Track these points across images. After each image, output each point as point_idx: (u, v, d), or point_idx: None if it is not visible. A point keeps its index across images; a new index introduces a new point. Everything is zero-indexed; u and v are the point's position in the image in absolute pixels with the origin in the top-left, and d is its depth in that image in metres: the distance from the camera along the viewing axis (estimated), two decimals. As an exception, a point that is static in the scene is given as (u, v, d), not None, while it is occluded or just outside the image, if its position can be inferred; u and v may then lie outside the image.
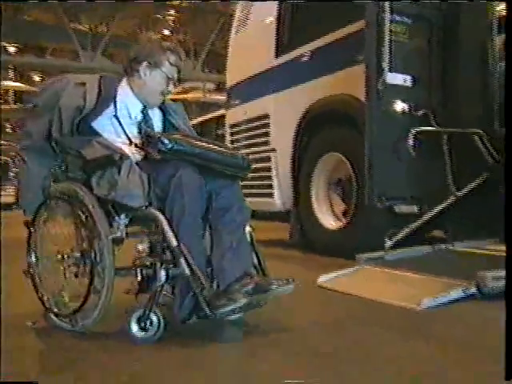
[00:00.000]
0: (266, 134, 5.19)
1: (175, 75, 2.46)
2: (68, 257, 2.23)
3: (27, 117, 2.52)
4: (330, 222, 4.54)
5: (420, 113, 3.57)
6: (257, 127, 5.34)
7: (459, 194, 3.58)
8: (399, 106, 3.51)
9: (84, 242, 2.18)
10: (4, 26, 15.99)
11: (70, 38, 19.56)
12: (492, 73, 3.90)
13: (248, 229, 2.33)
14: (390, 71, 3.45)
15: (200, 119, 10.50)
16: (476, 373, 1.70)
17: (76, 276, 2.20)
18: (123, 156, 2.19)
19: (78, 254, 2.20)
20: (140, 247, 2.18)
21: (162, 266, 2.06)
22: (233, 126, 5.91)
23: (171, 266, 2.06)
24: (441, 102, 3.73)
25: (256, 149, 5.18)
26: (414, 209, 3.65)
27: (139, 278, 2.13)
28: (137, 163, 2.24)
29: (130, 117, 2.41)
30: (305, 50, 4.72)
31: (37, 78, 26.50)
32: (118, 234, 2.19)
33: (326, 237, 4.47)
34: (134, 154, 2.32)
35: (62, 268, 2.25)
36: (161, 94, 2.47)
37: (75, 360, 1.92)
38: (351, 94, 4.02)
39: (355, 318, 2.43)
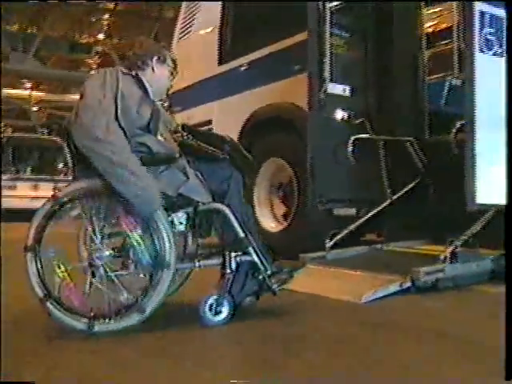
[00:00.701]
0: (209, 140, 5.26)
1: (176, 69, 2.57)
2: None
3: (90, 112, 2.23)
4: (270, 224, 4.69)
5: (358, 121, 3.80)
6: (200, 133, 5.41)
7: (394, 197, 3.83)
8: (339, 114, 3.73)
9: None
10: None
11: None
12: (422, 85, 4.22)
13: None
14: (331, 81, 3.66)
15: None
16: (397, 349, 1.91)
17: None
18: (181, 154, 2.34)
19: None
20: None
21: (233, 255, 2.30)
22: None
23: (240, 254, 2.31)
24: (377, 111, 3.98)
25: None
26: (353, 211, 3.87)
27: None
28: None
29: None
30: (247, 59, 4.86)
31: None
32: (180, 229, 2.32)
33: (268, 239, 4.60)
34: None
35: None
36: (166, 87, 2.57)
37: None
38: (293, 102, 4.19)
39: (303, 311, 2.58)
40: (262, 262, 2.33)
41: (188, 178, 2.30)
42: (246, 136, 4.77)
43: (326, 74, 3.61)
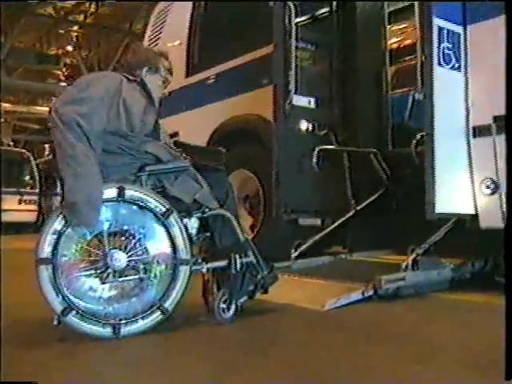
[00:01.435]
0: (176, 152, 5.28)
1: (169, 78, 2.61)
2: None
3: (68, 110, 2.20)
4: (237, 236, 4.70)
5: (323, 132, 3.86)
6: (166, 145, 5.42)
7: (358, 208, 3.90)
8: (304, 125, 3.79)
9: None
10: None
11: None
12: (386, 98, 4.32)
13: None
14: (296, 93, 3.72)
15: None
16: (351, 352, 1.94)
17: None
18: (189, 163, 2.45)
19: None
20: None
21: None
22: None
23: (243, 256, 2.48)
24: (341, 123, 4.06)
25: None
26: (318, 222, 3.91)
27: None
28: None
29: None
30: (214, 71, 4.90)
31: None
32: (192, 233, 2.43)
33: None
34: None
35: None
36: (157, 97, 2.56)
37: None
38: (258, 114, 4.24)
39: (267, 319, 2.59)
40: (259, 263, 2.53)
41: (202, 185, 2.44)
42: (212, 148, 4.80)
43: (291, 86, 3.67)
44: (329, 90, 4.11)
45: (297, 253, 3.63)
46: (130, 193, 2.26)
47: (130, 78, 2.44)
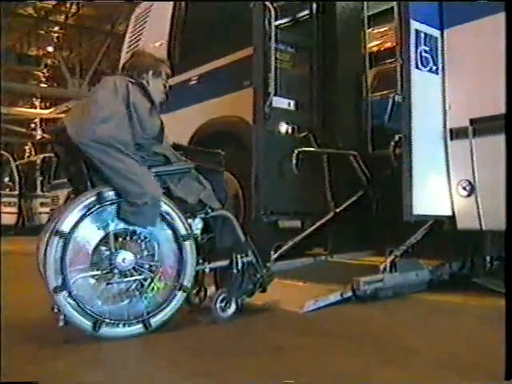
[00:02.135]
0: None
1: (168, 84, 2.66)
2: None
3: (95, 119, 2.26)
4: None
5: (302, 134, 3.87)
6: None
7: (337, 210, 3.91)
8: (284, 127, 3.79)
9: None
10: None
11: None
12: (366, 101, 4.35)
13: None
14: (276, 95, 3.72)
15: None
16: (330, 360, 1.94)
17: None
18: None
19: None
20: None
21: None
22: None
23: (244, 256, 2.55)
24: (321, 126, 4.07)
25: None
26: (297, 223, 3.92)
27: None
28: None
29: None
30: (195, 73, 4.89)
31: None
32: (197, 233, 2.48)
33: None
34: None
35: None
36: (159, 101, 2.61)
37: None
38: (238, 116, 4.23)
39: (245, 321, 2.57)
40: (258, 262, 2.61)
41: (205, 186, 2.51)
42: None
43: (271, 88, 3.67)
44: (309, 93, 4.12)
45: (276, 254, 3.63)
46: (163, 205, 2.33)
47: (133, 80, 2.47)
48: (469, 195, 2.98)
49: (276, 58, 3.75)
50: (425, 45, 3.01)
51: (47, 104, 22.47)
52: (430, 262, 3.23)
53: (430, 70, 3.04)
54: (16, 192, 13.32)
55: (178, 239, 2.36)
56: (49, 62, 20.33)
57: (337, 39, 4.28)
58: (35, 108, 22.54)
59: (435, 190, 3.07)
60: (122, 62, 6.16)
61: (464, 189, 2.99)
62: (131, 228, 2.29)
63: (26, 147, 23.27)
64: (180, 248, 2.36)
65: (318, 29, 4.24)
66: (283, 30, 3.96)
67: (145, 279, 2.31)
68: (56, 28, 18.68)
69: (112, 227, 2.26)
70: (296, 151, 3.69)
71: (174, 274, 2.36)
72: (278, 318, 2.62)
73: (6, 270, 2.27)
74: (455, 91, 3.04)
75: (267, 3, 3.65)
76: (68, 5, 17.06)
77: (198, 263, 2.44)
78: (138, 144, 2.35)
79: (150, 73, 2.56)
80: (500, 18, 2.79)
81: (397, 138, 3.41)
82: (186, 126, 4.84)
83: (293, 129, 3.83)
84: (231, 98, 4.41)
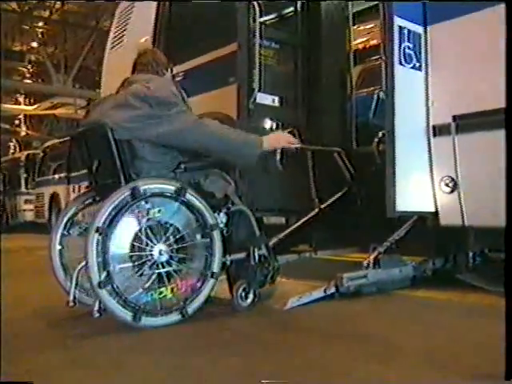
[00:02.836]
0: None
1: None
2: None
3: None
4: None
5: (287, 131, 3.85)
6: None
7: (322, 206, 3.91)
8: (268, 123, 3.78)
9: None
10: None
11: None
12: (350, 97, 4.35)
13: None
14: (260, 91, 3.71)
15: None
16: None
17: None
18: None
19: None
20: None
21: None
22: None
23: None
24: (305, 122, 4.06)
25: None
26: (282, 220, 3.91)
27: None
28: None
29: None
30: (179, 69, 4.85)
31: None
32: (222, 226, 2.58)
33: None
34: None
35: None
36: None
37: None
38: (222, 112, 4.20)
39: (227, 317, 2.56)
40: (270, 256, 2.74)
41: (230, 182, 2.65)
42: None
43: (256, 85, 3.66)
44: (293, 89, 4.11)
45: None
46: (188, 196, 2.46)
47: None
48: (452, 191, 2.99)
49: (260, 54, 3.74)
50: (408, 41, 3.01)
51: (32, 100, 22.27)
52: (413, 258, 3.25)
53: (414, 67, 3.05)
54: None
55: (207, 228, 2.47)
56: (33, 57, 20.15)
57: (321, 36, 4.28)
58: (19, 104, 22.32)
59: (418, 187, 3.08)
60: (105, 57, 6.17)
61: (447, 185, 3.01)
62: (164, 220, 2.41)
63: (11, 144, 23.06)
64: (209, 237, 2.48)
65: (302, 25, 4.23)
66: (268, 27, 3.95)
67: (179, 269, 2.42)
68: (40, 23, 18.51)
69: (146, 221, 2.37)
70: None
71: (205, 262, 2.49)
72: (261, 315, 2.61)
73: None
74: (438, 88, 3.05)
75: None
76: (52, 0, 16.89)
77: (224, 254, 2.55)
78: None
79: (169, 70, 2.78)
80: (483, 14, 2.83)
81: (380, 134, 3.41)
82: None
83: (277, 125, 3.83)
84: (216, 94, 4.38)
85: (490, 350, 1.86)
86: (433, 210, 3.08)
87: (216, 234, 2.50)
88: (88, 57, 17.63)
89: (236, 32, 3.72)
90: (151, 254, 2.35)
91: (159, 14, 5.24)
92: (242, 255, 2.68)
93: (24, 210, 13.24)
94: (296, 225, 3.84)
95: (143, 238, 2.35)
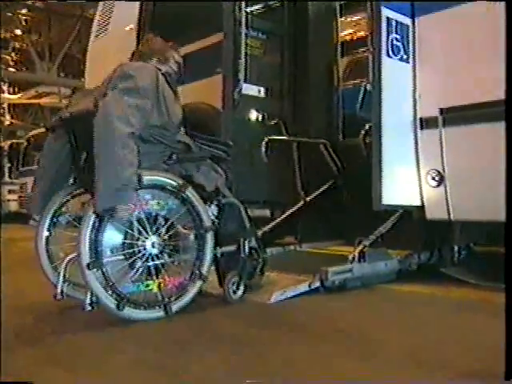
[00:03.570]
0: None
1: (178, 71, 2.70)
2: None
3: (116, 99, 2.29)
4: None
5: (273, 122, 3.81)
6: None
7: (308, 199, 3.87)
8: (253, 114, 3.74)
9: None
10: None
11: None
12: (337, 89, 4.31)
13: None
14: (246, 82, 3.65)
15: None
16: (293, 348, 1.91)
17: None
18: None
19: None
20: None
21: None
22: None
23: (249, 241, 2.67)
24: (292, 113, 4.02)
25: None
26: (267, 213, 3.87)
27: None
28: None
29: None
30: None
31: None
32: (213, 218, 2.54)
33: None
34: None
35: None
36: None
37: None
38: (207, 103, 4.13)
39: (210, 312, 2.52)
40: (260, 248, 2.75)
41: (221, 174, 2.60)
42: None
43: (241, 75, 3.61)
44: (279, 80, 4.07)
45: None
46: (189, 194, 2.42)
47: (161, 69, 2.52)
48: (438, 185, 2.97)
49: (246, 44, 3.70)
50: (396, 33, 2.97)
51: (16, 89, 21.97)
52: (398, 252, 3.22)
53: (401, 59, 3.01)
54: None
55: (202, 229, 2.44)
56: (17, 45, 19.85)
57: (308, 27, 4.22)
58: (3, 92, 22.02)
59: (405, 180, 3.06)
60: (90, 46, 6.07)
61: (433, 179, 2.98)
62: (161, 213, 2.38)
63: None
64: (203, 238, 2.45)
65: (289, 16, 4.18)
66: (254, 16, 3.89)
67: (171, 262, 2.41)
68: (24, 11, 18.22)
69: (144, 211, 2.33)
70: (266, 139, 3.63)
71: (195, 262, 2.45)
72: (245, 310, 2.57)
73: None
74: (425, 80, 3.02)
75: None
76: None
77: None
78: (165, 128, 2.42)
79: (155, 59, 2.60)
80: (472, 6, 2.79)
81: (367, 126, 3.38)
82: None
83: (263, 116, 3.79)
84: (202, 84, 4.32)
85: (475, 347, 1.85)
86: (419, 203, 3.06)
87: (209, 236, 2.47)
88: (73, 45, 17.40)
89: (222, 21, 3.66)
90: (144, 245, 2.32)
91: (144, 2, 5.15)
92: (232, 248, 2.66)
93: (8, 200, 13.07)
94: (280, 218, 3.80)
95: (138, 227, 2.31)
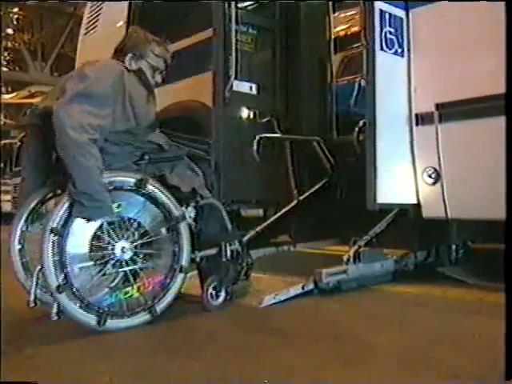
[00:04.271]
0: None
1: (161, 66, 2.50)
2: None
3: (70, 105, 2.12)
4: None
5: (265, 119, 3.73)
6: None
7: (301, 198, 3.79)
8: (245, 112, 3.65)
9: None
10: None
11: None
12: (330, 86, 4.22)
13: None
14: (237, 79, 3.56)
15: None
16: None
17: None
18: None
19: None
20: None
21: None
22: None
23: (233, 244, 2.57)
24: (284, 111, 3.93)
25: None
26: (260, 212, 3.79)
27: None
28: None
29: None
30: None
31: None
32: (190, 221, 2.43)
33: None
34: None
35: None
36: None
37: None
38: (198, 100, 4.05)
39: (198, 315, 2.44)
40: (243, 251, 2.64)
41: (198, 174, 2.47)
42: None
43: (232, 71, 3.51)
44: (272, 76, 3.97)
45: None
46: (150, 188, 2.30)
47: (129, 67, 2.38)
48: (435, 183, 2.90)
49: (237, 40, 3.60)
50: (390, 26, 2.89)
51: (8, 89, 21.82)
52: (394, 252, 3.13)
53: (396, 53, 2.93)
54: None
55: (172, 221, 2.33)
56: (9, 44, 19.70)
57: (301, 22, 4.13)
58: (-4, 93, 21.87)
59: (400, 178, 2.98)
60: (79, 45, 5.98)
61: (430, 176, 2.91)
62: (125, 216, 2.25)
63: (-13, 133, 22.60)
64: (175, 230, 2.34)
65: (281, 10, 4.08)
66: (245, 11, 3.80)
67: (145, 267, 2.29)
68: (15, 9, 18.08)
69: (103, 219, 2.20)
70: (257, 137, 3.55)
71: (172, 256, 2.35)
72: (234, 314, 2.48)
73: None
74: (421, 75, 2.94)
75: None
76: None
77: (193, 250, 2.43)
78: (132, 133, 2.29)
79: (129, 56, 2.41)
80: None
81: (361, 123, 3.29)
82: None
83: (254, 114, 3.70)
84: (193, 81, 4.23)
85: (471, 350, 1.78)
86: (415, 202, 2.98)
87: (183, 226, 2.36)
88: (66, 44, 17.28)
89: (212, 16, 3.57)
90: (113, 253, 2.21)
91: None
92: (212, 251, 2.55)
93: (1, 201, 12.95)
94: (273, 217, 3.71)
95: (103, 235, 2.20)
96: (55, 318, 2.10)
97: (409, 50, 2.96)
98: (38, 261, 2.23)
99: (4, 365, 1.70)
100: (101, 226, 2.20)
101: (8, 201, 12.68)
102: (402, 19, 2.94)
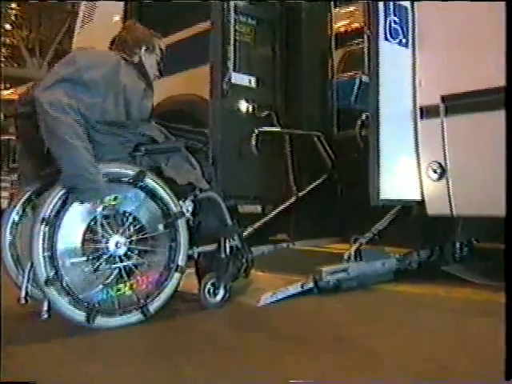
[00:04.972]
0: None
1: (163, 59, 2.52)
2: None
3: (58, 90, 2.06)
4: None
5: (264, 113, 3.63)
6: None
7: (300, 194, 3.69)
8: (243, 105, 3.55)
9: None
10: None
11: None
12: (331, 81, 4.13)
13: None
14: (235, 71, 3.46)
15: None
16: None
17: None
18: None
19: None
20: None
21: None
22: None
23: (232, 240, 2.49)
24: (284, 104, 3.83)
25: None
26: (258, 208, 3.69)
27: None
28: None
29: None
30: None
31: None
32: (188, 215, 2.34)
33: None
34: None
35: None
36: (152, 78, 2.47)
37: None
38: (197, 94, 3.96)
39: (195, 314, 2.36)
40: (243, 247, 2.55)
41: (195, 167, 2.38)
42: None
43: (230, 63, 3.41)
44: (271, 69, 3.87)
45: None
46: (148, 181, 2.23)
47: (128, 59, 2.34)
48: (439, 178, 2.80)
49: (236, 31, 3.50)
50: (394, 15, 2.79)
51: (6, 85, 21.74)
52: (397, 250, 3.04)
53: (400, 43, 2.83)
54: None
55: (170, 217, 2.25)
56: (7, 40, 19.58)
57: (301, 15, 4.03)
58: (-6, 89, 21.80)
59: (404, 173, 2.89)
60: (75, 39, 5.88)
61: (434, 171, 2.82)
62: (121, 209, 2.18)
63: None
64: (173, 226, 2.26)
65: (281, 5, 3.98)
66: (244, 1, 3.70)
67: (140, 263, 2.22)
68: (13, 5, 17.99)
69: (101, 209, 2.14)
70: (256, 131, 3.46)
71: (169, 254, 2.26)
72: (231, 313, 2.39)
73: None
74: (426, 66, 2.84)
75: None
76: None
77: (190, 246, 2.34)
78: (122, 125, 2.22)
79: (144, 48, 2.41)
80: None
81: (364, 116, 3.19)
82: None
83: (253, 107, 3.60)
84: (191, 74, 4.13)
85: (479, 354, 1.70)
86: (419, 198, 2.89)
87: (181, 223, 2.27)
88: (64, 40, 17.18)
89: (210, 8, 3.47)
90: (106, 247, 2.13)
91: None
92: (211, 247, 2.47)
93: (0, 198, 12.87)
94: (271, 214, 3.61)
95: (97, 229, 2.12)
96: (45, 316, 2.02)
97: (414, 40, 2.86)
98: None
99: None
100: (95, 219, 2.12)
101: (6, 197, 12.60)
102: (406, 8, 2.84)
